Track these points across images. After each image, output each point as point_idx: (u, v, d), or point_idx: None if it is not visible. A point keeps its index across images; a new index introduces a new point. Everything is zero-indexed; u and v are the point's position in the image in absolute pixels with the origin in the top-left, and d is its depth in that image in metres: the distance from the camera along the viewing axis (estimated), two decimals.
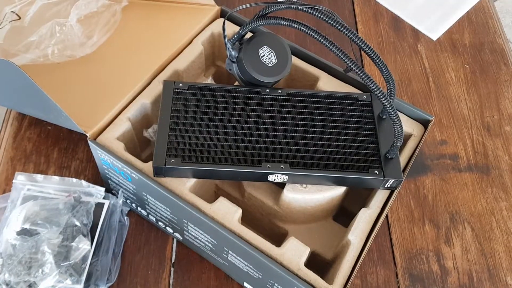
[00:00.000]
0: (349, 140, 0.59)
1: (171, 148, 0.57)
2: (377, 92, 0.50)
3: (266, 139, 0.58)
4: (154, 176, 0.57)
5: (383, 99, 0.50)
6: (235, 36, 0.60)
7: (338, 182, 0.58)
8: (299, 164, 0.56)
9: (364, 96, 0.63)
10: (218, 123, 0.59)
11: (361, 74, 0.50)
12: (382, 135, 0.59)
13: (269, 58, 0.60)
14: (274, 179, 0.57)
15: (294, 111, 0.61)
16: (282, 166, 0.56)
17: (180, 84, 0.62)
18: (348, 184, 0.59)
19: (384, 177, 0.56)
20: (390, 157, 0.57)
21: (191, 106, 0.60)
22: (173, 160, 0.55)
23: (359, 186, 0.59)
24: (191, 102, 0.61)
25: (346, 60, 0.51)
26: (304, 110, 0.61)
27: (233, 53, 0.60)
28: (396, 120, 0.52)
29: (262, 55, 0.60)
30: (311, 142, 0.59)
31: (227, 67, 0.62)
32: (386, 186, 0.58)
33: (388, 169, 0.57)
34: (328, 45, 0.51)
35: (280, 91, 0.62)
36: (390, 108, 0.51)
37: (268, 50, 0.60)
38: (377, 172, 0.56)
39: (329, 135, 0.59)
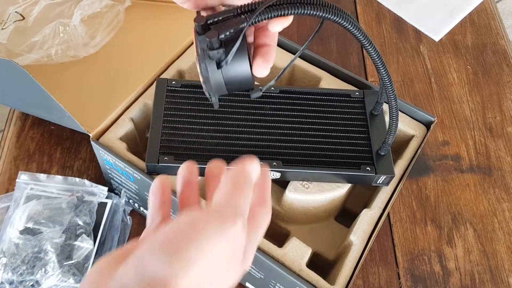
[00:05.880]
0: (341, 137, 0.59)
1: (164, 146, 0.57)
2: (389, 86, 0.49)
3: (259, 136, 0.58)
4: (147, 173, 0.57)
5: (391, 93, 0.49)
6: (228, 33, 0.40)
7: (331, 178, 0.58)
8: (292, 161, 0.57)
9: (357, 93, 0.63)
10: (211, 121, 0.59)
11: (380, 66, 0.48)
12: (374, 132, 0.60)
13: None
14: None
15: (287, 108, 0.61)
16: (274, 163, 0.56)
17: (173, 82, 0.62)
18: (340, 181, 0.59)
19: (376, 174, 0.56)
20: (382, 153, 0.58)
21: (184, 103, 0.60)
22: (166, 158, 0.55)
23: (351, 182, 0.59)
24: (184, 100, 0.61)
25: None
26: (297, 107, 0.61)
27: (218, 55, 0.41)
28: (395, 116, 0.52)
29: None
30: (304, 139, 0.59)
31: (205, 75, 0.42)
32: (378, 182, 0.58)
33: (380, 166, 0.57)
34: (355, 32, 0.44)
35: (273, 88, 0.62)
36: (393, 100, 0.50)
37: None
38: (369, 169, 0.57)
39: (322, 132, 0.60)
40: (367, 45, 0.44)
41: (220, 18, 0.39)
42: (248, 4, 0.39)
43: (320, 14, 0.40)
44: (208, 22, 0.39)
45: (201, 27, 0.39)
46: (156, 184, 0.35)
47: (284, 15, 0.39)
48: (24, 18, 0.71)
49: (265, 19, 0.39)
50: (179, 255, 0.27)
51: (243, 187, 0.31)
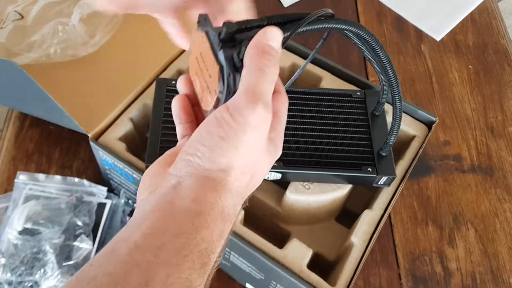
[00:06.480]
0: (343, 138, 0.59)
1: (164, 147, 0.56)
2: (395, 88, 0.49)
3: None
4: None
5: (397, 95, 0.49)
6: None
7: (332, 179, 0.58)
8: (292, 162, 0.56)
9: (358, 93, 0.63)
10: None
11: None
12: (376, 132, 0.59)
13: None
14: (268, 177, 0.56)
15: (288, 108, 0.61)
16: (275, 164, 0.56)
17: (173, 82, 0.62)
18: (341, 182, 0.59)
19: (377, 175, 0.56)
20: (383, 154, 0.57)
21: None
22: None
23: (352, 183, 0.59)
24: None
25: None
26: (297, 107, 0.61)
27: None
28: (398, 118, 0.51)
29: None
30: (305, 139, 0.58)
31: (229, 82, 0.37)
32: (379, 183, 0.58)
33: (381, 167, 0.56)
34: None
35: None
36: (398, 102, 0.50)
37: None
38: (370, 170, 0.56)
39: (323, 132, 0.59)
40: (379, 51, 0.45)
41: (249, 26, 0.36)
42: (276, 16, 0.38)
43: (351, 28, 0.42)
44: (238, 29, 0.36)
45: (228, 35, 0.35)
46: (176, 108, 0.37)
47: (319, 30, 0.40)
48: (23, 17, 0.71)
49: (299, 33, 0.39)
50: (216, 151, 0.30)
51: (262, 68, 0.31)
